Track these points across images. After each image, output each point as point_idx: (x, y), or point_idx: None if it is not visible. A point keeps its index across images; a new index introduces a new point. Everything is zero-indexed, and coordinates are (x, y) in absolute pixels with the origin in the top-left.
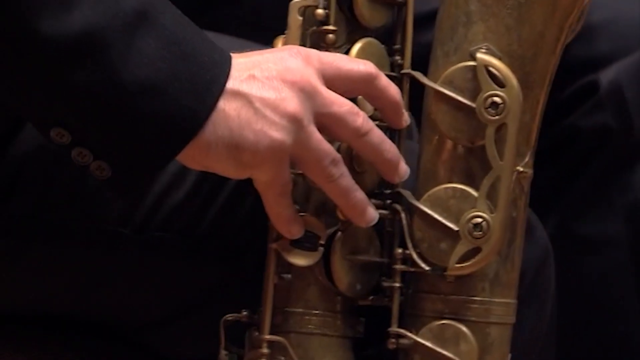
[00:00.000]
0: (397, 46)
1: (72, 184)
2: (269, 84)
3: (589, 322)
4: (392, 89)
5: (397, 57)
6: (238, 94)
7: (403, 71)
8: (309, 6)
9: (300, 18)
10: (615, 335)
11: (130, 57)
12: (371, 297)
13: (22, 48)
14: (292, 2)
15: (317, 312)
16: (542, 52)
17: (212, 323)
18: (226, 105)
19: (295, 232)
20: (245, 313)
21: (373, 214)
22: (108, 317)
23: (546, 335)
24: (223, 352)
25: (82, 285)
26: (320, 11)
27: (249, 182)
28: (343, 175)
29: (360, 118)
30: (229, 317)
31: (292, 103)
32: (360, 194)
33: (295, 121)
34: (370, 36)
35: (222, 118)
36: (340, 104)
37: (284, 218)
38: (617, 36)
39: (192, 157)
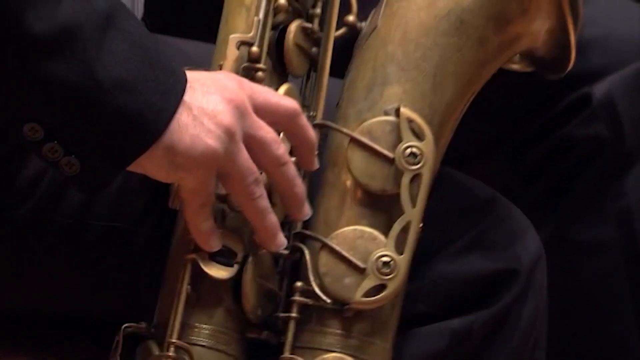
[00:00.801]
0: (307, 100)
1: (37, 177)
2: (207, 96)
3: (585, 322)
4: (311, 130)
5: (310, 111)
6: (188, 104)
7: (316, 122)
8: (245, 42)
9: (237, 52)
10: (610, 335)
11: (104, 55)
12: (265, 332)
13: (4, 40)
14: (232, 35)
15: (218, 328)
16: (448, 119)
17: None
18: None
19: (214, 245)
20: (143, 324)
21: (283, 239)
22: (120, 314)
23: (539, 330)
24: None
25: (97, 284)
26: (255, 49)
27: None
28: (262, 196)
29: (282, 148)
30: (129, 326)
31: (227, 116)
32: (274, 218)
33: (229, 133)
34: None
35: (174, 126)
36: (267, 131)
37: (204, 230)
38: (610, 51)
39: (138, 162)
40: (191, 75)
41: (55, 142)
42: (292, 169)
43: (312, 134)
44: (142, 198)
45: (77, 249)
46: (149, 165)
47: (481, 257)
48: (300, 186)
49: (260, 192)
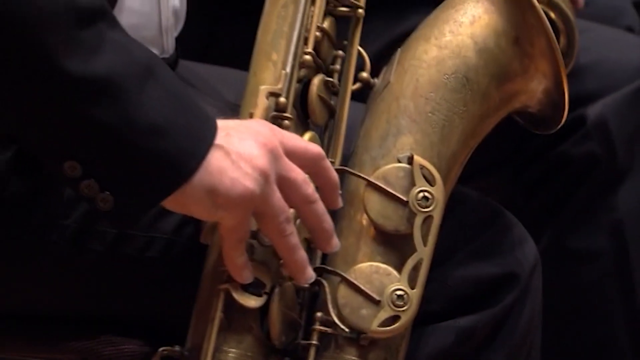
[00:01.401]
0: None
1: None
2: (243, 142)
3: (579, 323)
4: (334, 172)
5: (329, 157)
6: (219, 147)
7: (336, 167)
8: (274, 93)
9: (266, 101)
10: (601, 336)
11: (142, 102)
12: (287, 358)
13: (50, 84)
14: (262, 87)
15: (246, 354)
16: (453, 167)
17: None
18: (210, 155)
19: (247, 277)
20: (177, 348)
21: (312, 273)
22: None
23: (535, 331)
24: None
25: (137, 288)
26: (282, 100)
27: None
28: (293, 233)
29: (311, 188)
30: (164, 349)
31: (262, 160)
32: (303, 253)
33: (264, 176)
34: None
35: (206, 165)
36: (298, 172)
37: (239, 263)
38: (603, 76)
39: (176, 198)
40: (226, 123)
41: (92, 179)
42: (321, 206)
43: (335, 175)
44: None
45: (117, 257)
46: (193, 205)
47: (486, 263)
48: (328, 222)
49: (292, 229)
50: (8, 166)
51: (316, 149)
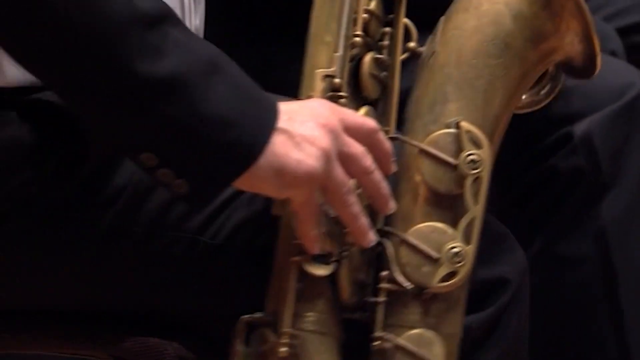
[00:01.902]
0: (381, 115)
1: (160, 205)
2: (305, 124)
3: (567, 323)
4: (387, 143)
5: (384, 126)
6: (283, 131)
7: (390, 135)
8: (329, 75)
9: (322, 84)
10: (588, 333)
11: (207, 96)
12: (358, 313)
13: (123, 86)
14: (317, 70)
15: (321, 315)
16: (497, 127)
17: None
18: (275, 139)
19: (316, 248)
20: (258, 315)
21: (373, 236)
22: (182, 310)
23: (525, 332)
24: (240, 346)
25: (162, 283)
26: (337, 80)
27: None
28: (355, 202)
29: (369, 160)
30: (246, 317)
31: (324, 140)
32: (365, 220)
33: (326, 154)
34: (367, 105)
35: (272, 147)
36: (356, 147)
37: (311, 236)
38: (589, 96)
39: (246, 179)
40: (289, 106)
41: (167, 168)
42: (378, 175)
43: (389, 146)
44: (204, 212)
45: (148, 253)
46: (263, 185)
47: (481, 268)
48: (385, 188)
49: (354, 199)
50: (52, 173)
51: (371, 123)
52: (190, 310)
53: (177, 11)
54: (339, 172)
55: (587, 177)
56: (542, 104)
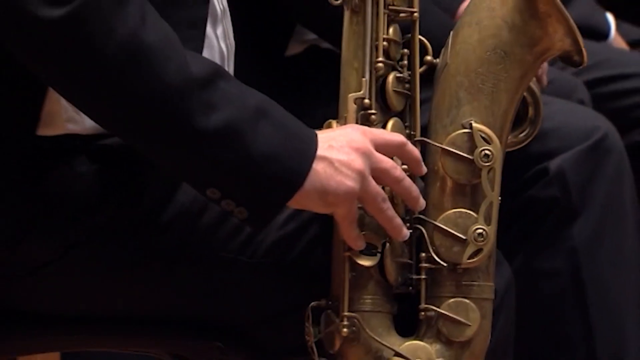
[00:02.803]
0: (407, 123)
1: (207, 231)
2: (342, 150)
3: (545, 325)
4: (415, 151)
5: (411, 131)
6: (323, 158)
7: (416, 139)
8: (359, 98)
9: (354, 105)
10: (561, 334)
11: (257, 138)
12: (409, 288)
13: (185, 140)
14: (349, 95)
15: (374, 297)
16: (505, 123)
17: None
18: (317, 166)
19: (360, 245)
20: (323, 301)
21: (406, 232)
22: (223, 316)
23: (510, 334)
24: (310, 327)
25: (209, 295)
26: (366, 101)
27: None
28: (389, 208)
29: (398, 171)
30: (314, 303)
31: (358, 162)
32: (398, 220)
33: (361, 174)
34: (395, 116)
35: (314, 174)
36: (387, 162)
37: (353, 237)
38: (561, 138)
39: (296, 201)
40: (326, 134)
41: (229, 199)
42: (408, 182)
43: (416, 153)
44: (242, 235)
45: (198, 270)
46: (311, 205)
47: None
48: (415, 190)
49: (387, 206)
50: (117, 205)
51: (399, 137)
52: (230, 316)
53: (217, 59)
54: (373, 186)
55: (560, 205)
56: (523, 144)
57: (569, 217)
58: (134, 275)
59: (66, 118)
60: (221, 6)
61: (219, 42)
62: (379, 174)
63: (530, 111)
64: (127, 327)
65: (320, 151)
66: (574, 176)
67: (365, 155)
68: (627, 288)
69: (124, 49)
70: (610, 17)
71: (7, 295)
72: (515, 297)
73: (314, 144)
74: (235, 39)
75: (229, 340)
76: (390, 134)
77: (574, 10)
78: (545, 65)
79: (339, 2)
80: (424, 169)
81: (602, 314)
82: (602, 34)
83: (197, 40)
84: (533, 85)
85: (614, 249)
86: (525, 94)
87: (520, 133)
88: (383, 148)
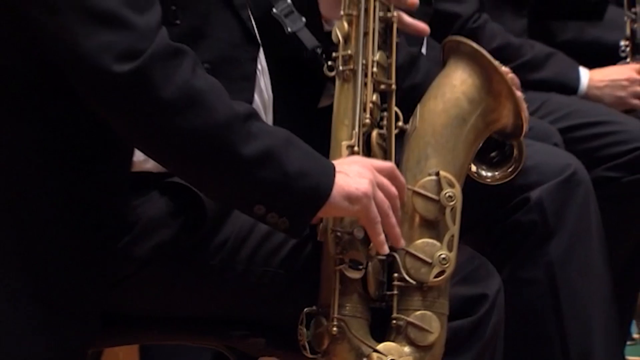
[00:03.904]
0: None
1: (252, 250)
2: (352, 166)
3: (526, 325)
4: (402, 177)
5: None
6: (340, 172)
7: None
8: (350, 146)
9: (347, 151)
10: (540, 333)
11: (290, 160)
12: (383, 304)
13: (234, 164)
14: (343, 142)
15: (356, 305)
16: (462, 172)
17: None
18: (337, 178)
19: (385, 249)
20: (314, 308)
21: (387, 249)
22: (265, 316)
23: (499, 334)
24: (303, 329)
25: (253, 300)
26: (356, 149)
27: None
28: (393, 216)
29: (392, 188)
30: (307, 309)
31: (368, 173)
32: (383, 237)
33: (371, 181)
34: None
35: (337, 184)
36: (385, 179)
37: (379, 241)
38: (540, 173)
39: (326, 209)
40: (338, 163)
41: (273, 212)
42: (397, 201)
43: (402, 179)
44: (281, 253)
45: (245, 282)
46: (340, 208)
47: (468, 287)
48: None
49: (391, 213)
50: (181, 231)
51: (391, 164)
52: (269, 316)
53: (260, 108)
54: (379, 193)
55: (539, 227)
56: (510, 178)
57: (546, 236)
58: (195, 284)
59: (144, 159)
60: (263, 64)
61: (263, 90)
62: (381, 188)
63: (515, 152)
64: (191, 325)
65: (337, 168)
66: (550, 204)
67: (371, 171)
68: (593, 293)
69: (180, 93)
70: (583, 72)
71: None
72: (504, 300)
73: (332, 165)
74: (274, 93)
75: (271, 337)
76: (384, 161)
77: (551, 68)
78: (527, 115)
79: (333, 73)
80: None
81: (573, 315)
82: (573, 89)
83: (249, 90)
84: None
85: (583, 262)
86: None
87: (508, 169)
88: (380, 170)
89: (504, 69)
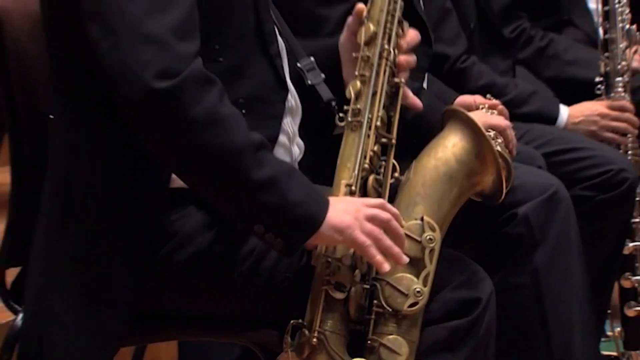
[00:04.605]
0: None
1: (273, 262)
2: (341, 203)
3: (515, 325)
4: (394, 209)
5: None
6: (333, 207)
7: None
8: (349, 185)
9: (345, 189)
10: (527, 331)
11: (291, 188)
12: (358, 325)
13: (243, 186)
14: (342, 181)
15: (337, 322)
16: (445, 221)
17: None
18: (329, 212)
19: (385, 268)
20: (300, 320)
21: (387, 266)
22: (280, 315)
23: (492, 333)
24: (288, 338)
25: (271, 302)
26: (353, 188)
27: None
28: (386, 239)
29: (384, 214)
30: (293, 322)
31: (352, 208)
32: (382, 259)
33: (355, 216)
34: None
35: (328, 217)
36: (374, 210)
37: (379, 260)
38: (526, 192)
39: (317, 236)
40: (332, 200)
41: (270, 232)
42: (395, 226)
43: (395, 210)
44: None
45: (266, 287)
46: (326, 239)
47: (466, 291)
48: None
49: (384, 237)
50: (214, 240)
51: (381, 200)
52: (289, 316)
53: (286, 139)
54: (366, 224)
55: (526, 239)
56: (502, 197)
57: (532, 247)
58: (225, 287)
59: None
60: (290, 104)
61: (288, 127)
62: (371, 219)
63: (505, 174)
64: (221, 323)
65: (331, 202)
66: (535, 219)
67: (355, 207)
68: (572, 296)
69: (206, 114)
70: (562, 108)
71: (141, 303)
72: (495, 303)
73: (326, 199)
74: None
75: (283, 331)
76: (374, 199)
77: (535, 103)
78: (515, 141)
79: (343, 123)
80: (402, 222)
81: (555, 314)
82: (553, 120)
83: (276, 127)
84: (507, 155)
85: (564, 269)
86: (501, 161)
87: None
88: (369, 204)
89: (495, 101)
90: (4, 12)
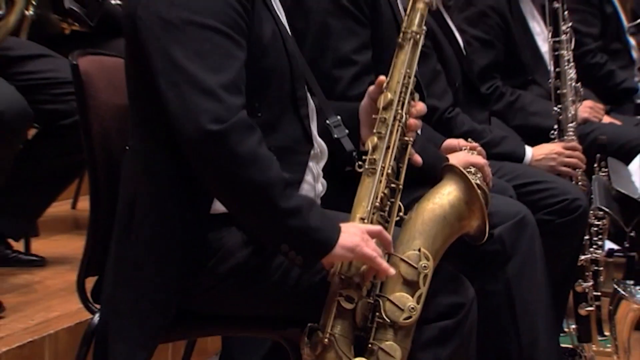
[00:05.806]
0: None
1: (299, 273)
2: (351, 227)
3: (490, 327)
4: (389, 236)
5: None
6: (345, 231)
7: (389, 252)
8: (362, 218)
9: (359, 222)
10: (500, 332)
11: (310, 217)
12: (362, 332)
13: (273, 214)
14: (357, 215)
15: (345, 328)
16: (438, 253)
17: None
18: (341, 236)
19: (391, 272)
20: (315, 324)
21: (393, 271)
22: (305, 315)
23: (473, 335)
24: (305, 338)
25: (297, 305)
26: (365, 221)
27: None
28: (383, 262)
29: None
30: (310, 325)
31: (358, 232)
32: (387, 268)
33: (362, 237)
34: None
35: (340, 240)
36: (375, 230)
37: (384, 268)
38: (500, 217)
39: (331, 255)
40: (343, 226)
41: (294, 251)
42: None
43: (389, 237)
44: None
45: (293, 293)
46: (342, 254)
47: (453, 297)
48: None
49: (382, 260)
50: (250, 256)
51: (379, 227)
52: (314, 316)
53: (312, 179)
54: (370, 242)
55: (500, 254)
56: (484, 240)
57: (504, 261)
58: (260, 293)
59: None
60: (315, 152)
61: (313, 169)
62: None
63: (483, 202)
64: (256, 322)
65: (342, 228)
66: (507, 238)
67: (361, 232)
68: (538, 300)
69: (248, 153)
70: (527, 149)
71: (191, 305)
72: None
73: (338, 226)
74: None
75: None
76: (376, 226)
77: (506, 145)
78: (491, 175)
79: (361, 170)
80: (391, 249)
81: (524, 316)
82: (520, 158)
83: (301, 170)
84: (485, 187)
85: (530, 279)
86: (479, 192)
87: None
88: (369, 231)
89: (475, 143)
90: (86, 74)
